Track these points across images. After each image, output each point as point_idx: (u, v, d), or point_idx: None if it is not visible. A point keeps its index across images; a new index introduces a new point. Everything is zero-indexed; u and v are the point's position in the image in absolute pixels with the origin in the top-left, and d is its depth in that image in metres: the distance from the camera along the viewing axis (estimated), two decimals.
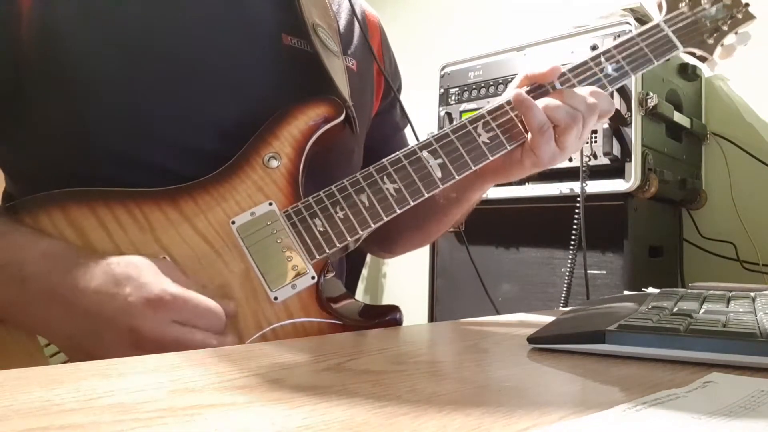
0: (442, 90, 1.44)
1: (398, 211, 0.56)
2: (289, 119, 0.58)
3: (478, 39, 1.92)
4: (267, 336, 0.52)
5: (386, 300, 2.18)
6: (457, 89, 1.41)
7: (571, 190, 1.19)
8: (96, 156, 0.55)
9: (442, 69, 1.45)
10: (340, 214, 0.55)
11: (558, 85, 0.63)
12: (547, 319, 0.54)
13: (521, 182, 1.28)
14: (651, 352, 0.36)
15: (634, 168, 1.13)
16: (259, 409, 0.25)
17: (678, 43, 0.68)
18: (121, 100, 0.55)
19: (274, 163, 0.56)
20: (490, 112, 0.61)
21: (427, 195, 0.57)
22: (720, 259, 1.39)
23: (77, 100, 0.54)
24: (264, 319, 0.52)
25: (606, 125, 1.14)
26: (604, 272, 1.15)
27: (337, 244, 0.55)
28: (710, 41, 0.70)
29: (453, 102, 1.41)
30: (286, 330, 0.52)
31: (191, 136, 0.57)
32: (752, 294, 0.58)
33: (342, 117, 0.59)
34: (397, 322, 0.57)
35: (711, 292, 0.60)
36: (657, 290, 0.67)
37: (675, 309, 0.46)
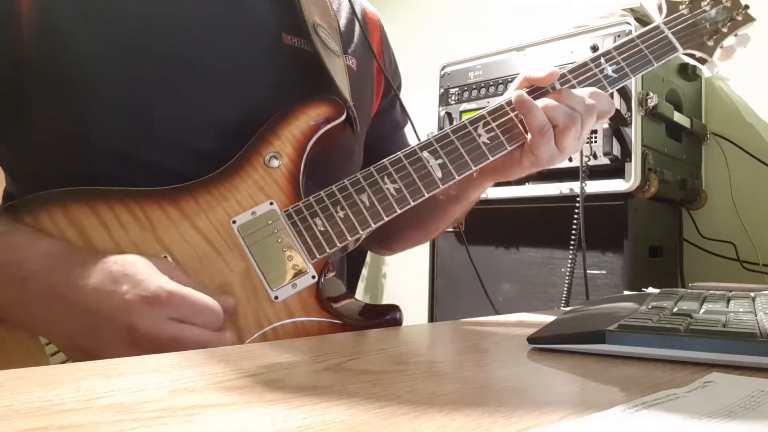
0: (442, 90, 1.44)
1: (398, 211, 0.57)
2: (290, 119, 0.58)
3: (478, 39, 1.92)
4: (267, 335, 0.52)
5: (386, 300, 2.18)
6: (457, 89, 1.41)
7: (571, 190, 1.19)
8: (96, 156, 0.55)
9: (442, 69, 1.45)
10: (341, 213, 0.55)
11: (557, 86, 0.63)
12: (547, 319, 0.54)
13: (521, 182, 1.28)
14: (651, 352, 0.36)
15: (634, 168, 1.13)
16: (258, 409, 0.25)
17: (678, 45, 0.68)
18: (121, 100, 0.55)
19: (275, 163, 0.56)
20: (490, 113, 0.61)
21: (427, 195, 0.58)
22: (720, 259, 1.39)
23: (77, 99, 0.54)
24: (264, 318, 0.52)
25: (606, 125, 1.14)
26: (604, 272, 1.15)
27: (338, 244, 0.55)
28: (710, 43, 0.70)
29: (453, 102, 1.41)
30: (287, 329, 0.53)
31: (191, 136, 0.57)
32: (752, 294, 0.58)
33: (343, 117, 0.60)
34: (397, 322, 0.57)
35: (711, 292, 0.60)
36: (657, 290, 0.67)
37: (675, 309, 0.46)
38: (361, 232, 0.56)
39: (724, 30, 0.71)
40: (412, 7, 2.21)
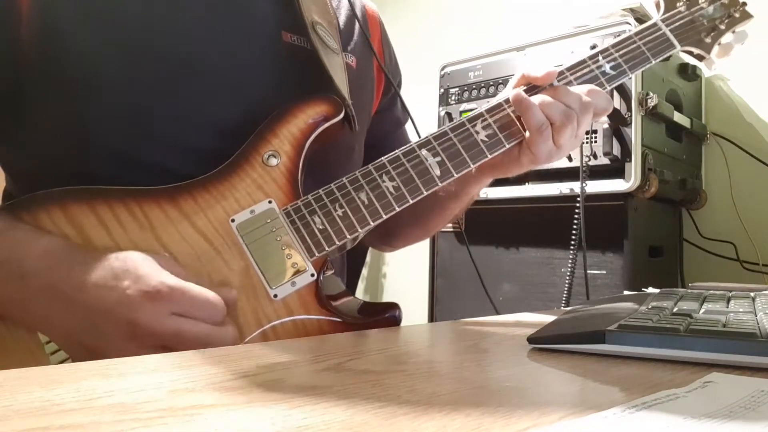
0: (442, 90, 1.44)
1: (397, 209, 0.57)
2: (288, 118, 0.58)
3: (478, 39, 1.92)
4: (267, 333, 0.52)
5: (386, 300, 2.18)
6: (457, 89, 1.41)
7: (571, 190, 1.19)
8: (96, 155, 0.55)
9: (442, 69, 1.45)
10: (340, 212, 0.56)
11: (555, 83, 0.63)
12: (547, 319, 0.54)
13: (521, 182, 1.29)
14: (651, 352, 0.36)
15: (634, 168, 1.12)
16: (258, 409, 0.25)
17: (675, 42, 0.68)
18: (121, 100, 0.55)
19: (274, 162, 0.56)
20: (488, 111, 0.61)
21: (426, 193, 0.58)
22: (720, 259, 1.39)
23: (77, 99, 0.54)
24: (264, 316, 0.52)
25: (606, 125, 1.14)
26: (604, 272, 1.15)
27: (337, 242, 0.55)
28: (708, 40, 0.70)
29: (453, 102, 1.41)
30: (286, 327, 0.53)
31: (191, 136, 0.57)
32: (752, 294, 0.58)
33: (341, 115, 0.60)
34: (396, 320, 0.57)
35: (711, 292, 0.60)
36: (657, 290, 0.67)
37: (675, 309, 0.46)
38: (359, 230, 0.56)
39: (722, 27, 0.71)
40: (412, 7, 2.21)
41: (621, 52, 0.66)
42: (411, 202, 0.57)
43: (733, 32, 0.72)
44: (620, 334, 0.37)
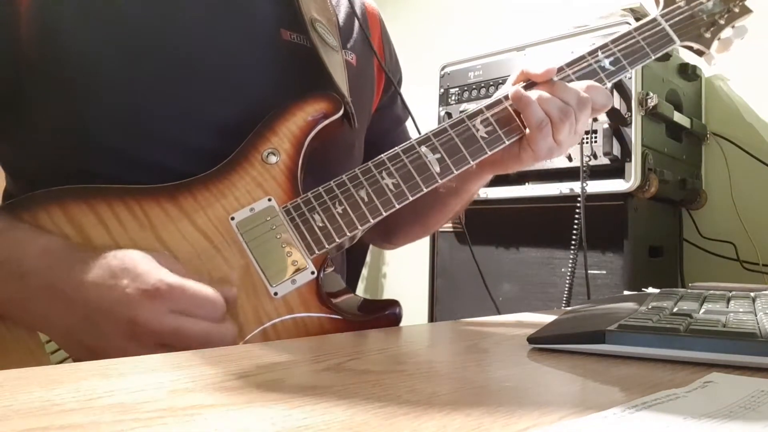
0: (442, 90, 1.44)
1: (397, 206, 0.57)
2: (287, 115, 0.58)
3: (478, 39, 1.91)
4: (267, 331, 0.52)
5: None
6: (457, 89, 1.41)
7: (571, 190, 1.19)
8: (96, 155, 0.55)
9: (442, 69, 1.45)
10: (339, 209, 0.56)
11: (554, 79, 0.63)
12: (547, 319, 0.54)
13: (521, 182, 1.29)
14: (651, 352, 0.36)
15: (634, 168, 1.12)
16: (258, 409, 0.25)
17: (675, 37, 0.68)
18: (120, 100, 0.55)
19: (273, 159, 0.56)
20: (488, 107, 0.61)
21: (425, 190, 0.58)
22: (720, 259, 1.39)
23: (77, 99, 0.54)
24: (264, 314, 0.52)
25: (606, 125, 1.14)
26: (604, 272, 1.15)
27: (337, 240, 0.55)
28: (707, 35, 0.70)
29: (453, 102, 1.41)
30: (287, 325, 0.53)
31: (191, 135, 0.57)
32: (752, 294, 0.58)
33: (340, 113, 0.60)
34: (397, 317, 0.57)
35: (711, 292, 0.60)
36: (657, 290, 0.67)
37: (675, 309, 0.46)
38: (359, 227, 0.56)
39: (722, 22, 0.71)
40: (412, 7, 2.21)
41: (620, 48, 0.66)
42: (411, 199, 0.57)
43: (733, 27, 0.71)
44: (620, 334, 0.37)
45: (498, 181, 1.29)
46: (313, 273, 0.54)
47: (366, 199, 0.56)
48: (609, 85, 0.65)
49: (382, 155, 0.58)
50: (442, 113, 1.42)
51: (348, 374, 0.32)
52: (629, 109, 1.13)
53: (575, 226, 1.07)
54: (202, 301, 0.47)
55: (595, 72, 0.64)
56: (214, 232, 0.53)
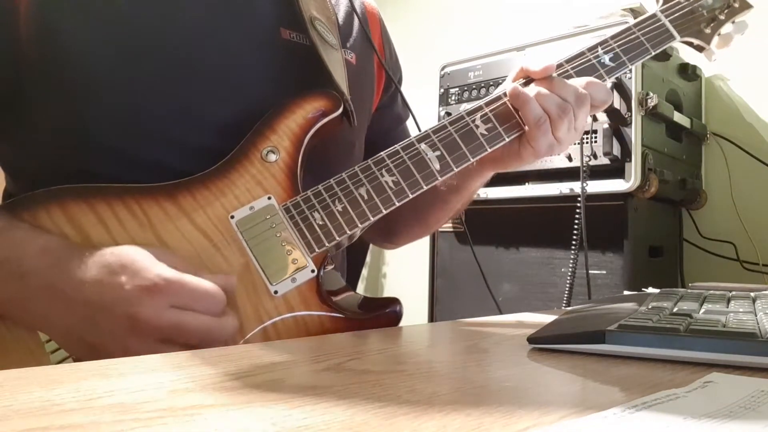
0: (442, 90, 1.44)
1: (397, 204, 0.57)
2: (286, 113, 0.58)
3: (478, 39, 1.92)
4: (268, 330, 0.52)
5: None
6: (457, 89, 1.41)
7: (571, 190, 1.19)
8: (96, 154, 0.55)
9: (442, 69, 1.45)
10: (339, 207, 0.55)
11: (554, 75, 0.63)
12: (547, 319, 0.54)
13: (521, 182, 1.29)
14: (651, 352, 0.36)
15: (634, 168, 1.12)
16: (258, 409, 0.25)
17: (675, 33, 0.68)
18: (120, 99, 0.55)
19: (273, 157, 0.56)
20: (488, 104, 0.61)
21: (425, 187, 0.57)
22: (720, 259, 1.39)
23: (77, 99, 0.54)
24: (264, 312, 0.52)
25: (606, 125, 1.14)
26: (604, 272, 1.15)
27: (337, 238, 0.55)
28: (707, 31, 0.70)
29: (453, 102, 1.41)
30: (287, 324, 0.53)
31: (191, 135, 0.57)
32: (752, 294, 0.58)
33: (340, 110, 0.59)
34: (398, 315, 0.57)
35: (711, 292, 0.60)
36: (657, 290, 0.67)
37: (675, 309, 0.46)
38: (359, 225, 0.56)
39: (722, 17, 0.71)
40: (412, 7, 2.21)
41: (619, 43, 0.65)
42: (411, 196, 0.57)
43: (733, 22, 0.71)
44: (620, 334, 0.37)
45: (498, 181, 1.29)
46: (313, 271, 0.54)
47: (366, 197, 0.56)
48: (609, 81, 0.65)
49: (381, 153, 0.58)
50: (442, 113, 1.42)
51: (348, 374, 0.32)
52: (629, 109, 1.13)
53: (575, 226, 1.07)
54: (201, 295, 0.47)
55: (595, 68, 0.64)
56: (213, 231, 0.53)
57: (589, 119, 1.15)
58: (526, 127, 0.60)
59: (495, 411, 0.25)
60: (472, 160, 0.59)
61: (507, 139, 0.61)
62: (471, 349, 0.44)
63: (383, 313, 0.57)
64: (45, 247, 0.48)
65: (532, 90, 0.60)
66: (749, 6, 0.71)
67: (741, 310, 0.45)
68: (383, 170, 0.57)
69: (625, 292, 0.85)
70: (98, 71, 0.54)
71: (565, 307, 1.08)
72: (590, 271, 1.12)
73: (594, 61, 0.64)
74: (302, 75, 0.63)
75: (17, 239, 0.49)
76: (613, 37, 0.66)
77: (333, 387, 0.29)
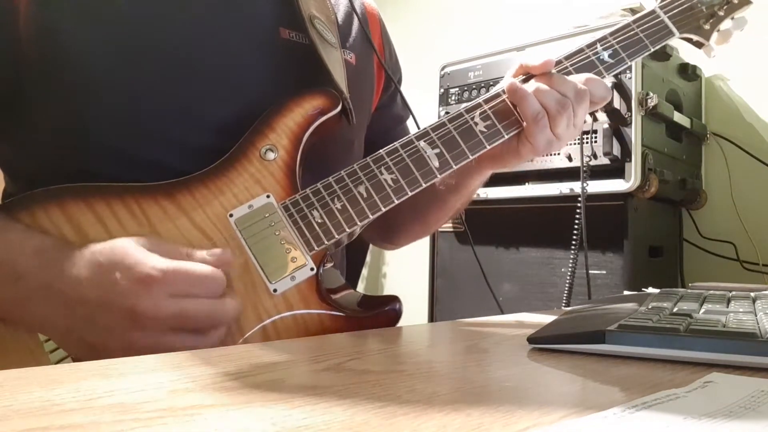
0: (442, 90, 1.44)
1: (396, 202, 0.57)
2: (285, 111, 0.58)
3: (478, 39, 1.92)
4: (267, 329, 0.52)
5: None
6: (457, 89, 1.41)
7: (571, 190, 1.19)
8: (96, 154, 0.55)
9: (442, 69, 1.45)
10: (338, 205, 0.55)
11: (553, 72, 0.63)
12: (547, 319, 0.54)
13: (521, 182, 1.29)
14: (651, 352, 0.36)
15: (634, 168, 1.12)
16: (259, 409, 0.25)
17: (674, 29, 0.68)
18: (120, 99, 0.55)
19: (271, 156, 0.56)
20: (486, 101, 0.61)
21: (424, 185, 0.57)
22: (720, 259, 1.39)
23: (77, 99, 0.54)
24: (264, 311, 0.52)
25: (606, 125, 1.14)
26: (604, 272, 1.15)
27: (336, 236, 0.55)
28: (706, 27, 0.70)
29: (453, 102, 1.41)
30: (286, 322, 0.52)
31: (191, 135, 0.57)
32: (752, 294, 0.58)
33: (338, 109, 0.59)
34: (397, 313, 0.57)
35: (711, 292, 0.60)
36: (657, 290, 0.67)
37: (675, 309, 0.46)
38: (358, 223, 0.55)
39: (721, 13, 0.71)
40: (412, 8, 2.21)
41: (619, 40, 0.65)
42: (410, 194, 0.57)
43: (732, 18, 0.71)
44: (620, 334, 0.37)
45: (498, 181, 1.29)
46: (312, 269, 0.54)
47: (365, 195, 0.56)
48: (608, 77, 0.65)
49: (380, 151, 0.58)
50: (443, 113, 1.42)
51: (348, 374, 0.32)
52: (629, 109, 1.13)
53: (575, 226, 1.07)
54: (199, 279, 0.47)
55: (594, 65, 0.64)
56: (212, 230, 0.53)
57: (589, 119, 1.15)
58: (525, 123, 0.60)
59: (495, 411, 0.25)
60: (471, 157, 0.59)
61: (506, 136, 0.60)
62: (471, 349, 0.44)
63: (383, 311, 0.57)
64: (39, 248, 0.48)
65: (531, 86, 0.60)
66: (748, 2, 0.71)
67: (741, 310, 0.45)
68: (382, 168, 0.57)
69: (625, 292, 0.85)
70: (98, 71, 0.54)
71: (564, 307, 1.08)
72: (590, 271, 1.12)
73: (593, 57, 0.64)
74: (301, 74, 0.63)
75: (11, 241, 0.49)
76: (612, 34, 0.66)
77: (333, 387, 0.29)
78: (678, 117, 1.27)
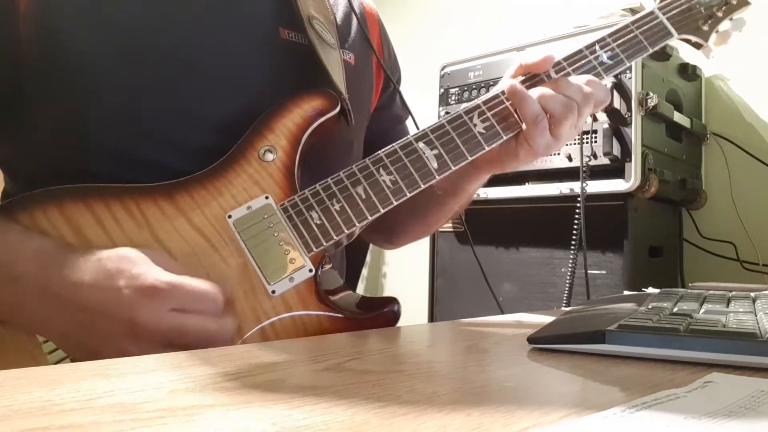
0: (442, 90, 1.44)
1: (395, 203, 0.57)
2: (283, 112, 0.58)
3: (478, 39, 1.92)
4: (266, 330, 0.52)
5: None
6: (457, 89, 1.41)
7: (571, 190, 1.19)
8: (95, 154, 0.55)
9: (442, 69, 1.45)
10: (337, 206, 0.55)
11: (553, 74, 0.63)
12: (547, 319, 0.54)
13: (521, 182, 1.29)
14: (651, 352, 0.36)
15: (634, 168, 1.12)
16: (258, 409, 0.25)
17: (672, 30, 0.68)
18: (120, 99, 0.55)
19: (270, 157, 0.56)
20: (485, 102, 0.61)
21: (423, 186, 0.57)
22: (720, 259, 1.39)
23: (77, 99, 0.54)
24: (262, 312, 0.52)
25: (606, 125, 1.14)
26: (604, 272, 1.15)
27: (334, 237, 0.55)
28: (705, 28, 0.70)
29: (453, 102, 1.41)
30: (285, 324, 0.52)
31: (191, 135, 0.57)
32: (752, 294, 0.58)
33: (337, 109, 0.59)
34: (396, 314, 0.57)
35: (711, 292, 0.60)
36: (657, 290, 0.67)
37: (675, 309, 0.46)
38: (357, 224, 0.55)
39: (719, 14, 0.71)
40: (412, 8, 2.21)
41: (618, 42, 0.65)
42: (408, 195, 0.57)
43: (731, 19, 0.71)
44: (620, 334, 0.37)
45: (498, 181, 1.29)
46: (311, 271, 0.54)
47: (363, 196, 0.56)
48: (607, 79, 0.65)
49: (379, 152, 0.58)
50: (443, 113, 1.42)
51: (348, 374, 0.32)
52: (629, 109, 1.13)
53: (575, 226, 1.07)
54: (200, 296, 0.47)
55: (593, 66, 0.64)
56: (211, 231, 0.53)
57: (589, 119, 1.15)
58: (524, 125, 0.60)
59: (495, 411, 0.25)
60: (470, 158, 0.59)
61: (505, 138, 0.60)
62: (471, 349, 0.44)
63: (381, 312, 0.57)
64: (38, 250, 0.48)
65: (536, 91, 0.60)
66: (747, 3, 0.71)
67: (741, 310, 0.45)
68: (381, 169, 0.57)
69: (625, 292, 0.85)
70: (98, 71, 0.54)
71: (564, 307, 1.08)
72: (590, 271, 1.12)
73: (592, 58, 0.64)
74: (301, 74, 0.63)
75: (9, 243, 0.49)
76: (610, 35, 0.66)
77: (333, 387, 0.29)
78: (678, 117, 1.27)
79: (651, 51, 0.66)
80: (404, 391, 0.28)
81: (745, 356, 0.33)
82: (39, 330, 0.48)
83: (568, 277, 1.10)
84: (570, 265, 1.09)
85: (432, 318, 1.46)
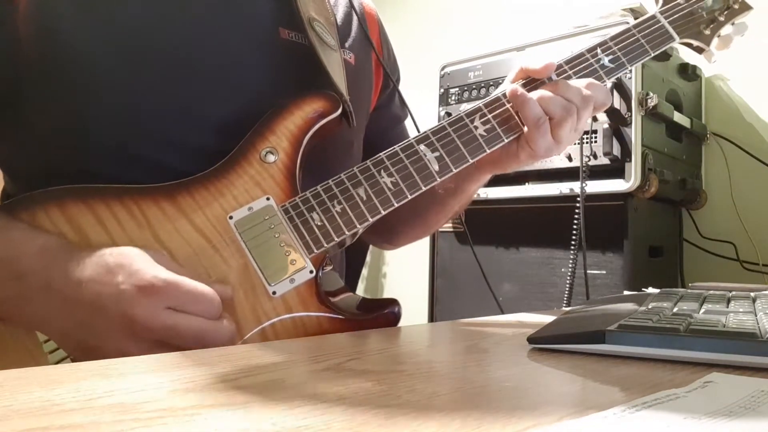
0: (442, 90, 1.44)
1: (396, 205, 0.57)
2: (285, 114, 0.58)
3: (477, 39, 1.91)
4: (266, 331, 0.52)
5: None
6: (457, 89, 1.41)
7: (571, 190, 1.19)
8: (96, 154, 0.55)
9: (442, 69, 1.45)
10: (338, 208, 0.56)
11: (554, 77, 0.63)
12: (547, 319, 0.54)
13: (521, 182, 1.29)
14: (651, 352, 0.36)
15: (634, 168, 1.12)
16: (258, 409, 0.25)
17: (674, 34, 0.68)
18: (120, 99, 0.55)
19: (271, 158, 0.56)
20: (486, 105, 0.61)
21: (424, 188, 0.57)
22: (720, 259, 1.39)
23: (77, 99, 0.54)
24: (263, 313, 0.52)
25: (606, 125, 1.14)
26: (604, 272, 1.15)
27: (335, 239, 0.55)
28: (707, 32, 0.70)
29: (453, 102, 1.41)
30: (285, 325, 0.52)
31: (191, 135, 0.57)
32: (752, 294, 0.58)
33: (339, 111, 0.59)
34: (396, 315, 0.57)
35: (711, 292, 0.60)
36: (657, 290, 0.67)
37: (675, 309, 0.46)
38: (358, 226, 0.56)
39: (721, 19, 0.71)
40: (412, 8, 2.21)
41: (619, 45, 0.66)
42: (409, 197, 0.57)
43: (733, 24, 0.71)
44: (620, 334, 0.37)
45: (498, 181, 1.29)
46: (311, 272, 0.54)
47: (365, 198, 0.56)
48: (608, 82, 0.65)
49: (380, 154, 0.58)
50: (442, 113, 1.42)
51: (348, 374, 0.32)
52: (629, 109, 1.13)
53: (575, 226, 1.07)
54: (197, 298, 0.47)
55: (595, 70, 0.64)
56: (212, 232, 0.53)
57: (589, 119, 1.15)
58: (525, 128, 0.60)
59: (495, 411, 0.25)
60: (471, 161, 0.59)
61: (506, 140, 0.61)
62: (471, 349, 0.44)
63: (381, 314, 0.57)
64: (43, 247, 0.48)
65: (536, 93, 0.60)
66: (749, 7, 0.71)
67: (741, 310, 0.45)
68: (382, 171, 0.57)
69: (625, 292, 0.85)
70: (98, 71, 0.54)
71: (565, 307, 1.08)
72: (590, 271, 1.12)
73: (593, 62, 0.65)
74: (301, 75, 0.63)
75: (15, 239, 0.49)
76: (612, 39, 0.66)
77: (333, 387, 0.29)
78: (678, 117, 1.27)
79: (653, 55, 0.66)
80: (404, 391, 0.28)
81: (745, 356, 0.33)
82: (40, 327, 0.48)
83: (568, 277, 1.10)
84: (570, 265, 1.08)
85: (432, 318, 1.46)
